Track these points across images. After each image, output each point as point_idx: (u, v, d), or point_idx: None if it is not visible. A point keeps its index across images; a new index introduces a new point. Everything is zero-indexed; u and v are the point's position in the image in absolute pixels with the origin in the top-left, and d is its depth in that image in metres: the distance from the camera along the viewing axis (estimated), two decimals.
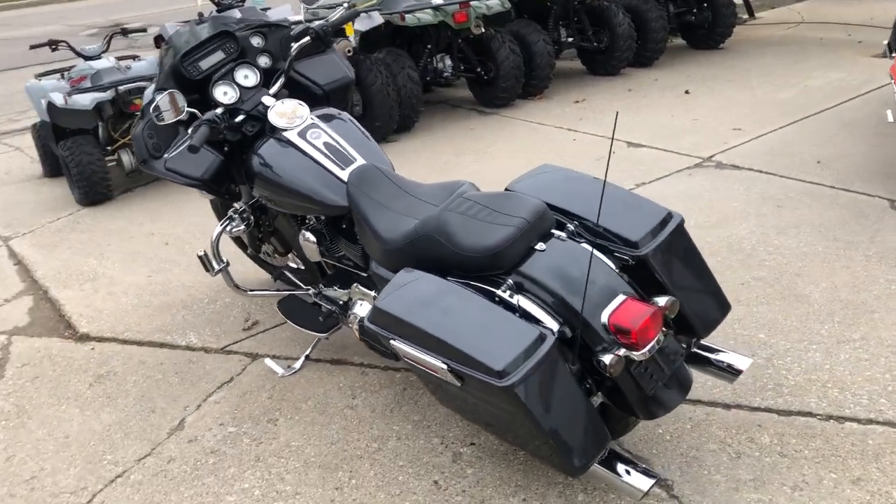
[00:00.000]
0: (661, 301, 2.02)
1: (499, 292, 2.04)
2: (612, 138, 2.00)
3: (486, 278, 2.09)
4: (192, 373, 3.02)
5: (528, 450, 1.99)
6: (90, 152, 4.85)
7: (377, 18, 5.44)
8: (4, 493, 2.48)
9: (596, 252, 2.05)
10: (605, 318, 1.95)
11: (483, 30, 5.82)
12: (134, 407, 2.85)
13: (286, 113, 2.65)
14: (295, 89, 2.91)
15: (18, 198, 5.45)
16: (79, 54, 5.36)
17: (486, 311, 1.93)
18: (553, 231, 2.14)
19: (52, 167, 5.69)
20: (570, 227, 2.18)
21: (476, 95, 6.44)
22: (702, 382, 2.58)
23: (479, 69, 6.14)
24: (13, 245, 4.50)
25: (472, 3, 5.74)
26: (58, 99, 4.76)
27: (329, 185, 2.52)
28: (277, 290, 3.12)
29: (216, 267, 2.87)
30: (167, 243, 4.29)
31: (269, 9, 5.78)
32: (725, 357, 2.24)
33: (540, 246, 2.08)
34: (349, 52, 5.15)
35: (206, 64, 2.76)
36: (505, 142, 5.43)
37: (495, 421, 2.00)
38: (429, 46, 5.97)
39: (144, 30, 5.60)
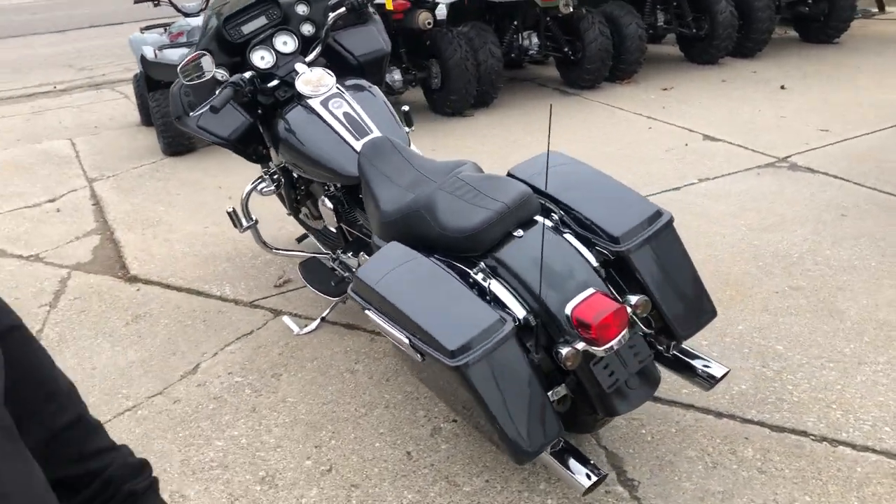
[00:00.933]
0: (633, 299, 1.98)
1: (472, 274, 2.05)
2: (549, 132, 1.94)
3: (466, 259, 2.10)
4: (218, 322, 3.17)
5: (480, 431, 2.01)
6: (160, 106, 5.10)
7: None
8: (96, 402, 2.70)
9: (571, 240, 2.04)
10: (568, 310, 1.93)
11: (572, 9, 5.71)
12: (159, 348, 3.03)
13: (311, 81, 2.72)
14: (333, 58, 2.98)
15: (114, 143, 5.81)
16: (179, 10, 5.62)
17: (454, 292, 1.95)
18: (536, 218, 2.12)
19: (147, 116, 6.02)
20: (556, 216, 2.16)
21: (562, 75, 6.36)
22: (682, 386, 2.51)
23: (566, 49, 6.04)
24: (96, 187, 4.82)
25: None
26: (149, 52, 5.03)
27: (343, 154, 2.58)
28: (301, 252, 3.22)
29: (244, 224, 2.99)
30: (230, 197, 4.49)
31: None
32: (701, 363, 2.18)
33: (518, 232, 2.07)
34: (429, 23, 5.17)
35: (248, 28, 2.86)
36: (578, 124, 5.34)
37: (452, 399, 2.03)
38: (515, 23, 5.92)
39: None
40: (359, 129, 2.62)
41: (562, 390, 2.06)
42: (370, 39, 3.00)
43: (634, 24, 6.01)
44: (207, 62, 2.61)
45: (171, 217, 4.26)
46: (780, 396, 2.48)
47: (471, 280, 2.05)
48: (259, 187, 3.01)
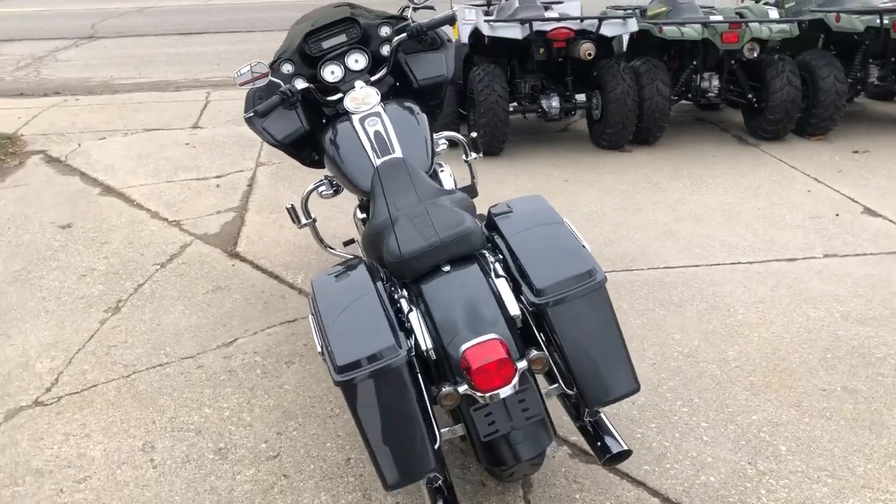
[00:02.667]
0: (532, 354, 1.94)
1: (400, 299, 2.12)
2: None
3: (403, 283, 2.18)
4: (275, 305, 3.48)
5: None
6: None
7: (631, 26, 5.33)
8: (92, 348, 3.17)
9: (497, 285, 2.05)
10: (461, 351, 1.94)
11: (756, 54, 5.37)
12: (216, 318, 3.39)
13: (357, 98, 2.90)
14: (402, 79, 3.14)
15: None
16: None
17: (370, 312, 2.03)
18: (475, 255, 2.14)
19: None
20: (496, 258, 2.16)
21: (746, 123, 5.98)
22: (644, 461, 2.36)
23: (749, 96, 5.68)
24: (259, 171, 5.39)
25: (750, 23, 5.32)
26: None
27: (362, 169, 2.74)
28: (349, 255, 3.42)
29: (302, 220, 3.25)
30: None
31: (559, 2, 5.98)
32: (604, 435, 2.06)
33: (446, 267, 2.11)
34: (589, 55, 5.14)
35: (327, 44, 3.10)
36: (733, 174, 5.02)
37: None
38: (694, 63, 5.67)
39: (433, 7, 6.13)
40: (383, 148, 2.75)
41: (459, 429, 2.07)
42: (434, 65, 3.12)
43: (833, 76, 5.49)
44: (261, 68, 2.88)
45: (326, 207, 4.64)
46: (744, 499, 2.25)
47: (398, 305, 2.12)
48: (319, 189, 3.24)
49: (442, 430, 2.04)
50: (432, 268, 2.11)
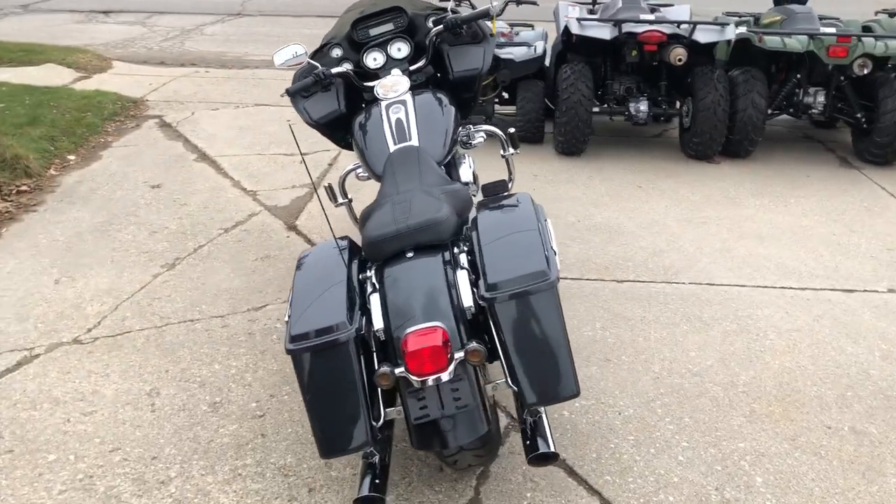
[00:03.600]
0: (470, 346, 1.98)
1: (366, 281, 2.21)
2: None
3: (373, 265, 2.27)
4: None
5: None
6: None
7: (728, 33, 5.13)
8: (139, 299, 3.45)
9: (456, 276, 2.08)
10: (403, 334, 2.01)
11: (867, 71, 5.04)
12: (255, 284, 3.60)
13: (387, 85, 2.99)
14: (443, 70, 3.21)
15: None
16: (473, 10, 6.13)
17: (334, 288, 2.14)
18: (443, 245, 2.19)
19: None
20: (459, 249, 2.20)
21: (853, 143, 5.62)
22: (608, 471, 2.33)
23: (858, 114, 5.34)
24: (343, 153, 5.58)
25: (863, 38, 5.00)
26: None
27: (379, 154, 2.83)
28: None
29: (339, 200, 3.39)
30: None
31: (668, 5, 5.84)
32: (537, 435, 2.06)
33: (410, 254, 2.17)
34: (680, 60, 5.00)
35: (375, 31, 3.21)
36: (820, 199, 4.75)
37: None
38: (798, 76, 5.39)
39: (536, 3, 6.13)
40: (401, 135, 2.83)
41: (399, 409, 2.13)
42: (471, 59, 3.15)
43: None
44: (298, 50, 3.02)
45: (369, 187, 4.82)
46: None
47: (365, 285, 2.21)
48: (357, 171, 3.37)
49: (387, 410, 2.12)
50: (397, 252, 2.17)
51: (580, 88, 5.14)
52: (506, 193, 2.51)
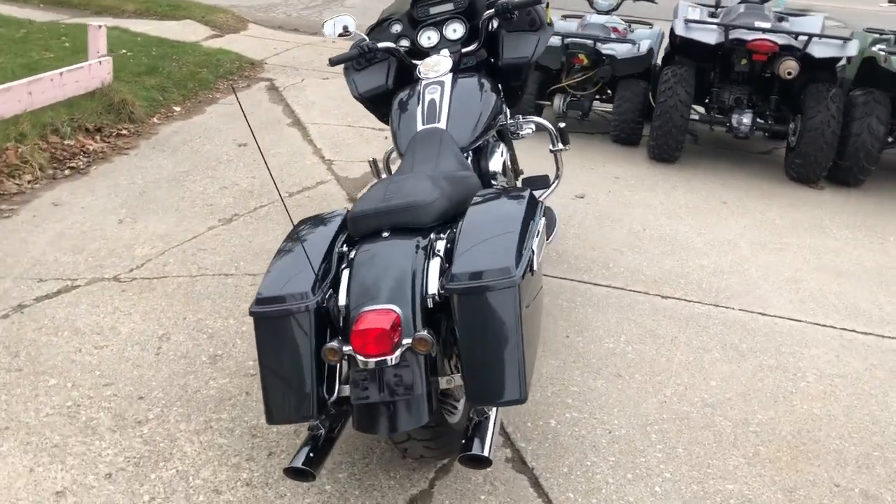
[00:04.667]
0: (418, 334, 1.93)
1: (344, 255, 2.19)
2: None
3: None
4: None
5: None
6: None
7: (850, 50, 4.72)
8: (186, 248, 3.59)
9: (424, 263, 2.03)
10: (356, 314, 1.98)
11: None
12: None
13: (429, 65, 2.95)
14: (496, 54, 3.13)
15: None
16: (591, 5, 5.98)
17: (314, 260, 2.14)
18: (423, 230, 2.14)
19: None
20: (437, 236, 2.14)
21: None
22: (573, 488, 2.22)
23: None
24: None
25: None
26: None
27: (406, 132, 2.81)
28: None
29: (383, 175, 3.38)
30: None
31: (798, 15, 5.48)
32: (476, 435, 1.97)
33: (385, 234, 2.13)
34: (789, 74, 4.66)
35: (434, 10, 3.17)
36: None
37: None
38: None
39: (655, 1, 5.89)
40: (430, 116, 2.79)
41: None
42: (522, 46, 3.05)
43: None
44: (346, 24, 3.03)
45: None
46: None
47: (342, 260, 2.19)
48: None
49: (341, 387, 2.09)
50: (375, 231, 2.14)
51: (678, 93, 4.89)
52: (506, 187, 2.41)
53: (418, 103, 2.85)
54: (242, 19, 9.14)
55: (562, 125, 3.26)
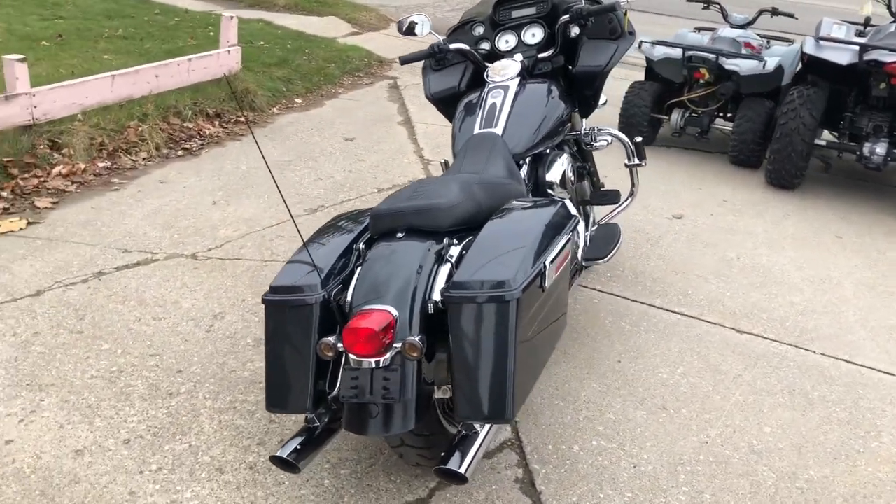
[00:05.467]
0: (409, 339, 1.89)
1: (361, 253, 2.19)
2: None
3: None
4: None
5: None
6: (640, 98, 5.35)
7: None
8: (265, 233, 3.72)
9: (436, 269, 2.01)
10: (355, 311, 1.98)
11: None
12: None
13: (496, 68, 2.90)
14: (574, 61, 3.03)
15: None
16: (725, 18, 5.69)
17: (334, 254, 2.16)
18: (432, 233, 2.10)
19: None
20: (451, 241, 2.10)
21: None
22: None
23: None
24: None
25: None
26: (646, 44, 5.34)
27: (463, 135, 2.77)
28: None
29: None
30: None
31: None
32: (457, 449, 1.90)
33: (400, 234, 2.12)
34: None
35: (516, 14, 3.12)
36: None
37: None
38: None
39: (793, 15, 5.51)
40: (489, 120, 2.74)
41: None
42: (598, 55, 2.93)
43: None
44: (423, 26, 3.02)
45: None
46: None
47: (358, 257, 2.19)
48: None
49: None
50: (391, 230, 2.13)
51: (802, 115, 4.55)
52: (539, 198, 2.32)
53: (480, 107, 2.80)
54: (386, 18, 9.36)
55: (638, 139, 3.11)
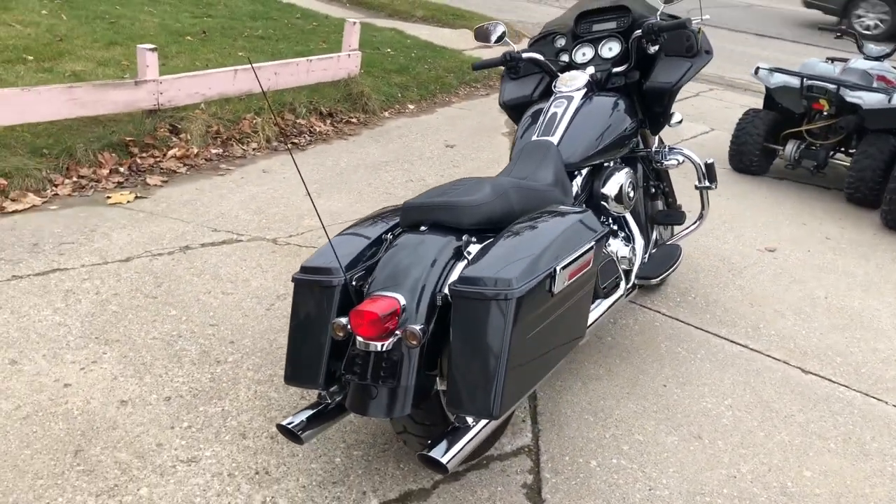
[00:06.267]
0: (410, 325, 1.95)
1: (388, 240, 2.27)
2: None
3: None
4: None
5: None
6: (754, 126, 5.15)
7: None
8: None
9: (451, 263, 2.07)
10: (368, 295, 2.06)
11: None
12: None
13: (564, 79, 2.91)
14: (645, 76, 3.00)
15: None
16: (859, 49, 5.41)
17: (361, 241, 2.26)
18: (452, 228, 2.15)
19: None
20: (470, 239, 2.14)
21: None
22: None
23: None
24: None
25: None
26: (763, 70, 5.14)
27: (521, 142, 2.81)
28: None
29: None
30: None
31: None
32: (445, 438, 1.93)
33: (424, 228, 2.18)
34: None
35: (597, 27, 3.13)
36: None
37: None
38: None
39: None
40: (547, 129, 2.76)
41: None
42: (671, 72, 2.88)
43: None
44: (497, 32, 3.07)
45: None
46: None
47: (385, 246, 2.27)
48: None
49: None
50: (417, 223, 2.20)
51: None
52: (566, 208, 2.31)
53: (542, 115, 2.82)
54: (520, 33, 9.43)
55: (710, 161, 3.03)
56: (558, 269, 2.00)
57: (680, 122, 3.12)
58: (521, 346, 1.91)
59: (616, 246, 2.83)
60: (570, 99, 2.83)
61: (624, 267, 2.86)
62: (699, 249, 4.01)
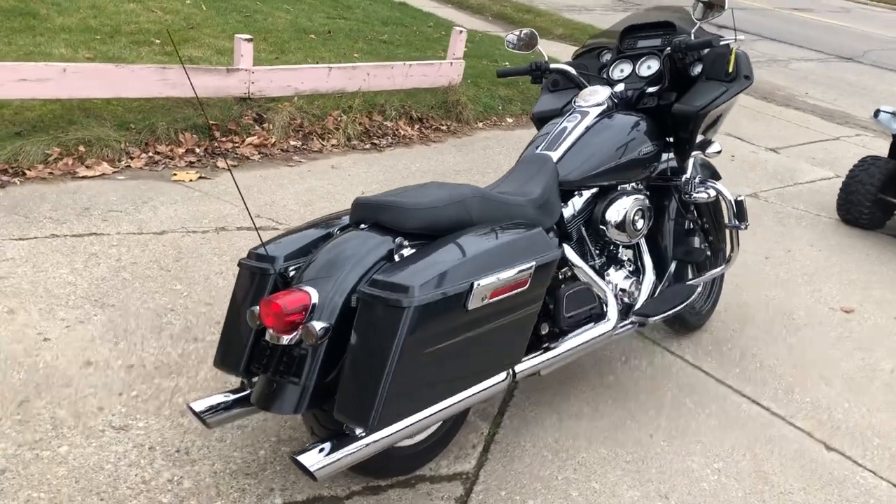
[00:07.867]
0: (310, 323, 1.88)
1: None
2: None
3: None
4: None
5: None
6: (868, 175, 4.66)
7: None
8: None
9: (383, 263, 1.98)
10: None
11: None
12: None
13: (584, 94, 2.73)
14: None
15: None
16: None
17: (317, 232, 2.21)
18: (391, 229, 2.06)
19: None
20: (402, 242, 2.04)
21: None
22: None
23: None
24: None
25: None
26: (885, 114, 4.64)
27: (524, 153, 2.67)
28: None
29: None
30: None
31: None
32: (326, 443, 1.84)
33: (364, 226, 2.11)
34: None
35: (642, 43, 2.93)
36: None
37: None
38: None
39: None
40: (551, 143, 2.60)
41: None
42: (701, 96, 2.63)
43: None
44: (530, 39, 2.94)
45: None
46: None
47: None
48: None
49: None
50: (359, 220, 2.13)
51: None
52: (526, 222, 2.15)
53: (553, 128, 2.67)
54: None
55: (741, 198, 2.74)
56: (478, 284, 1.86)
57: (718, 152, 2.86)
58: (415, 360, 1.79)
59: (615, 277, 2.62)
60: (584, 114, 2.65)
61: (625, 300, 2.64)
62: (761, 300, 3.65)
